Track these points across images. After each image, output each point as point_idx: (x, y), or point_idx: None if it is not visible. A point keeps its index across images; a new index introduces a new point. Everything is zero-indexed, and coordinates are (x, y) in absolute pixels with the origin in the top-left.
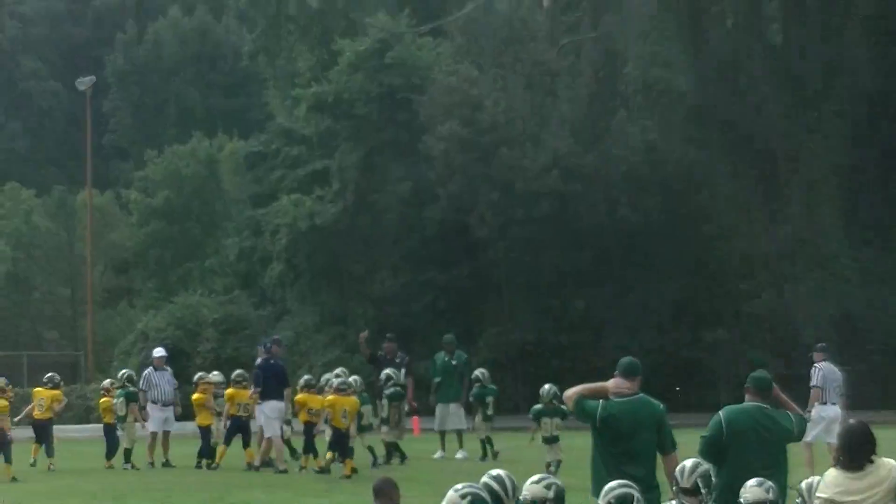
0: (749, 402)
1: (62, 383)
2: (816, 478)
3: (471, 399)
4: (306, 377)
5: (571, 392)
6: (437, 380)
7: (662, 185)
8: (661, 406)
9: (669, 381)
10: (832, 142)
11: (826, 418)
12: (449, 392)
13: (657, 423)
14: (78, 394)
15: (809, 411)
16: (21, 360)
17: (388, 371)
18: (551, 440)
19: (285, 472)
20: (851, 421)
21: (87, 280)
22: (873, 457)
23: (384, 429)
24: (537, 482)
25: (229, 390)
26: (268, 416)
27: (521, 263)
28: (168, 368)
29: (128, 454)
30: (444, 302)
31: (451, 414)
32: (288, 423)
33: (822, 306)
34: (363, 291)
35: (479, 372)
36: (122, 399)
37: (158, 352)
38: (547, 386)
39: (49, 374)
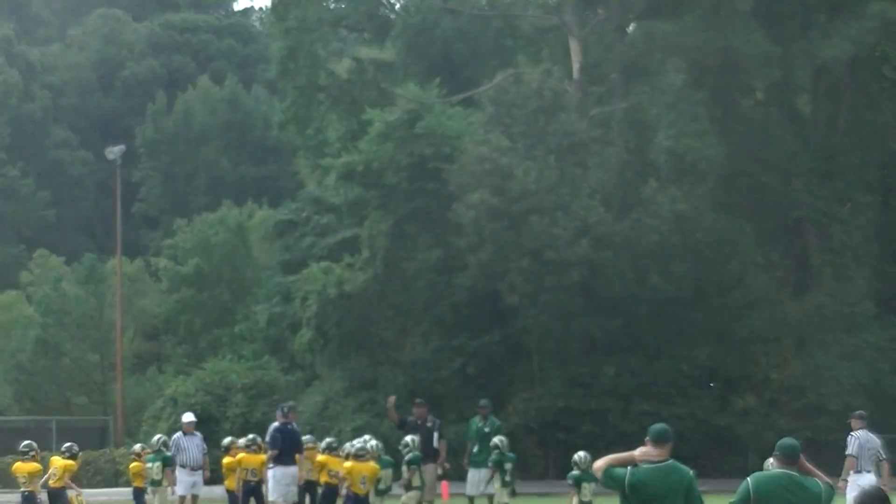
0: (777, 469)
1: (80, 454)
2: None
3: (489, 465)
4: (328, 440)
5: (600, 463)
6: (475, 448)
7: (692, 253)
8: (691, 472)
9: (699, 447)
10: (861, 210)
11: (862, 486)
12: (479, 457)
13: (686, 489)
14: (107, 458)
15: (844, 480)
16: (50, 424)
17: (407, 438)
18: None
19: None
20: (867, 486)
21: (116, 346)
22: None
23: (409, 493)
24: None
25: (239, 455)
26: (277, 480)
27: (551, 330)
28: (197, 433)
29: None
30: (473, 367)
31: (483, 479)
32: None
33: (850, 373)
34: (393, 357)
35: (497, 439)
36: (158, 463)
37: (188, 417)
38: (582, 453)
39: (68, 444)
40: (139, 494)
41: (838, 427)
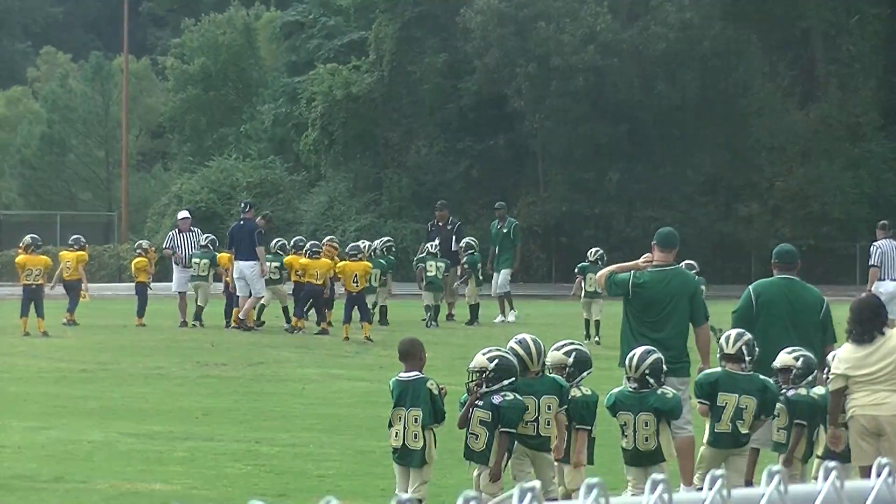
0: (777, 276)
1: (87, 245)
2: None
3: (465, 266)
4: (295, 238)
5: (604, 271)
6: (496, 250)
7: (699, 62)
8: (696, 277)
9: (702, 253)
10: (868, 21)
11: (885, 293)
12: (499, 258)
13: (690, 293)
14: (111, 253)
15: (869, 291)
16: (54, 219)
17: (427, 244)
18: (593, 295)
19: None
20: (862, 294)
21: (122, 143)
22: (885, 329)
23: (424, 293)
24: (559, 349)
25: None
26: (236, 276)
27: (556, 135)
28: (195, 230)
29: (199, 312)
30: (478, 171)
31: (502, 279)
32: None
33: (854, 183)
34: (398, 159)
35: (470, 240)
36: (205, 261)
37: (182, 214)
38: (594, 248)
39: (75, 237)
40: (142, 289)
41: (841, 235)
